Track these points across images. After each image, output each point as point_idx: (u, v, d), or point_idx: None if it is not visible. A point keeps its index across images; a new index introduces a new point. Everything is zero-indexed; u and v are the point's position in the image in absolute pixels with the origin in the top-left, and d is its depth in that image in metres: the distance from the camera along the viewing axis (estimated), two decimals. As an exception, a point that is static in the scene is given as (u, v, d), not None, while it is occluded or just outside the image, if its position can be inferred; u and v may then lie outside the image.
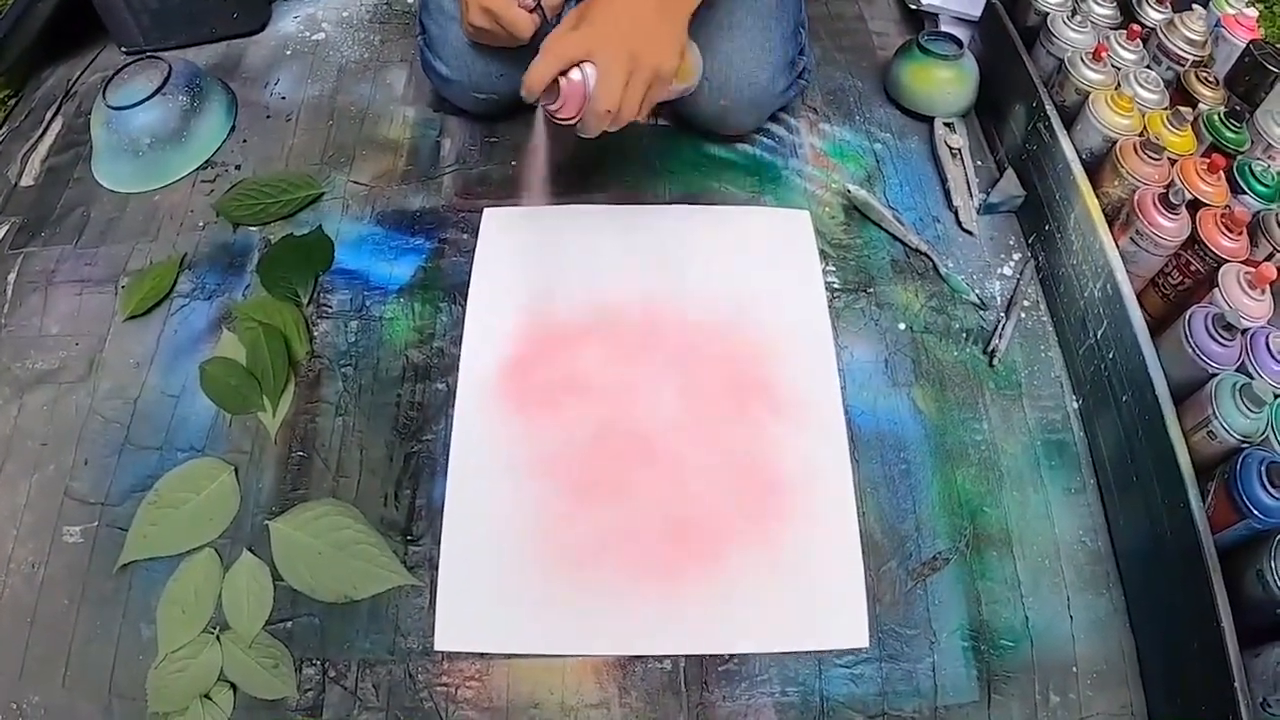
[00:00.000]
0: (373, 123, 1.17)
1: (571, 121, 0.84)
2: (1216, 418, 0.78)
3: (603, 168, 1.12)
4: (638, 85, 0.82)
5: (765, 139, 1.15)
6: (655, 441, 0.89)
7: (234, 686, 0.78)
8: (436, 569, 0.82)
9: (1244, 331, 0.82)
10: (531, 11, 0.91)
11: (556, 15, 0.94)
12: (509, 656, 0.79)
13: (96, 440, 0.90)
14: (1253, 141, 0.97)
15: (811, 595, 0.82)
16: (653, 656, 0.80)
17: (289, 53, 1.27)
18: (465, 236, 1.04)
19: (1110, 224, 0.93)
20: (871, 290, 1.01)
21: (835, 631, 0.80)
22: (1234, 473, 0.75)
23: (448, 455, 0.88)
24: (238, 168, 1.12)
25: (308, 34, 1.30)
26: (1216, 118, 0.97)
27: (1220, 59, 1.07)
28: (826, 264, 1.03)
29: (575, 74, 0.81)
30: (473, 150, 1.13)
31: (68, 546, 0.84)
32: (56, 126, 1.20)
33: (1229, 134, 0.96)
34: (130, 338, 0.97)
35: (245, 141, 1.15)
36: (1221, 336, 0.81)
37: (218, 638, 0.80)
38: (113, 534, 0.84)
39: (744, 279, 1.00)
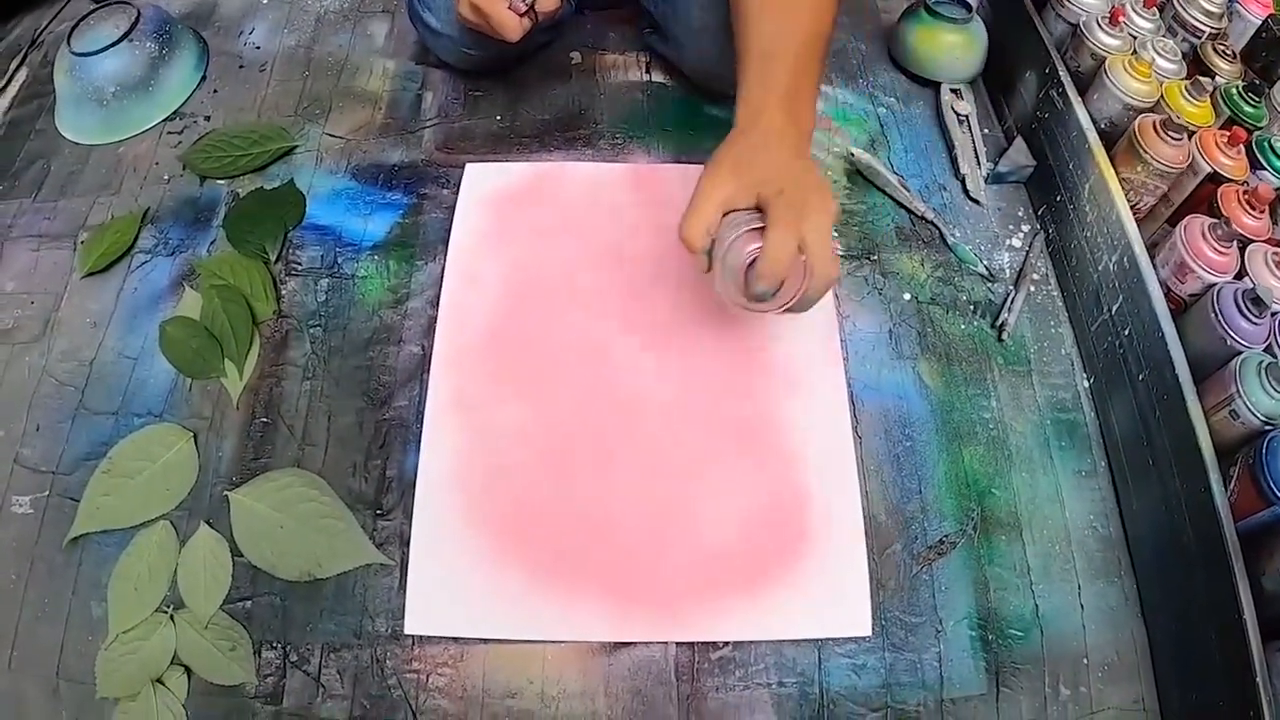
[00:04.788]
0: (351, 74, 1.07)
1: (784, 308, 0.70)
2: (1240, 397, 0.71)
3: (591, 124, 1.03)
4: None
5: (764, 100, 1.05)
6: (644, 412, 0.81)
7: (188, 670, 0.71)
8: (407, 546, 0.74)
9: (1274, 314, 0.75)
10: (523, 16, 0.82)
11: (549, 19, 0.85)
12: (484, 641, 0.72)
13: (49, 404, 0.82)
14: (1270, 117, 0.90)
15: (811, 579, 0.74)
16: (640, 643, 0.72)
17: (265, 1, 1.17)
18: (445, 192, 0.95)
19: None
20: (875, 258, 0.93)
21: (836, 619, 0.73)
22: (1259, 456, 0.69)
23: (421, 424, 0.80)
24: (207, 119, 1.03)
25: (285, -18, 1.20)
26: (1235, 91, 0.90)
27: (1234, 34, 0.99)
28: (828, 229, 0.94)
29: None
30: (456, 103, 1.04)
31: (16, 518, 0.77)
32: (21, 77, 1.11)
33: (1248, 108, 0.89)
34: (88, 296, 0.89)
35: (216, 92, 1.06)
36: (1252, 312, 0.74)
37: (172, 617, 0.72)
38: (64, 504, 0.77)
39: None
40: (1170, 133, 0.84)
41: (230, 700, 0.70)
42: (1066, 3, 0.99)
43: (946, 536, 0.77)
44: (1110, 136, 0.90)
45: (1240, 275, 0.79)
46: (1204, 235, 0.79)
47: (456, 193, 0.94)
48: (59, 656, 0.71)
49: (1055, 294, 0.93)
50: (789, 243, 0.66)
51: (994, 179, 1.01)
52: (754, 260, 0.66)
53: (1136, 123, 0.87)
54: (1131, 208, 0.85)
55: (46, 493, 0.77)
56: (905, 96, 1.09)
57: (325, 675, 0.70)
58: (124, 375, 0.83)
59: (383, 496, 0.77)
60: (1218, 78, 0.93)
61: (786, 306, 0.69)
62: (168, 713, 0.69)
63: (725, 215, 0.69)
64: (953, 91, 1.06)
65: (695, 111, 1.04)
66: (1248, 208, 0.81)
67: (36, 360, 0.84)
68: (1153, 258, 0.82)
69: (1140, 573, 0.78)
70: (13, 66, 1.11)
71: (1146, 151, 0.84)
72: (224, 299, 0.85)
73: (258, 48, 1.11)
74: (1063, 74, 0.94)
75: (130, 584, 0.73)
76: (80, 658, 0.71)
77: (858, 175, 0.99)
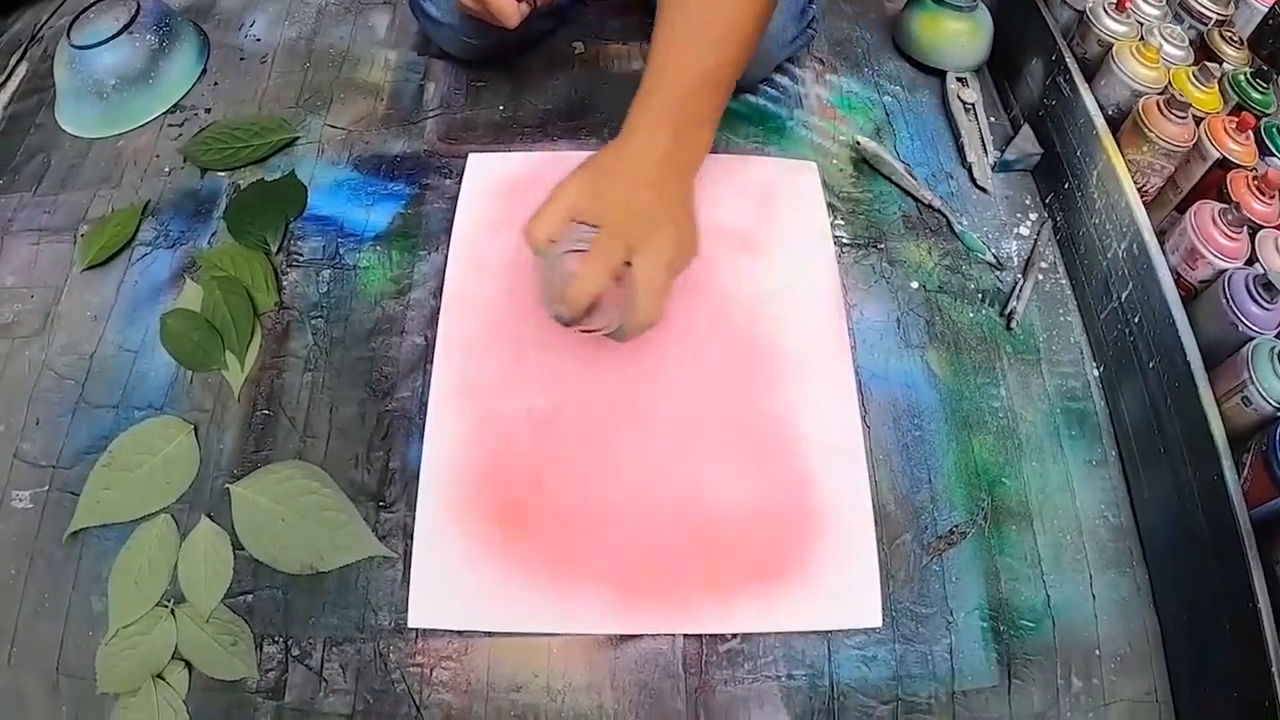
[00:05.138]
0: (352, 65, 1.06)
1: (600, 333, 0.70)
2: (1253, 383, 0.70)
3: (595, 112, 1.01)
4: (671, 285, 0.69)
5: (769, 89, 1.04)
6: (652, 402, 0.79)
7: (189, 665, 0.69)
8: (411, 538, 0.72)
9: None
10: (521, 1, 0.81)
11: (548, 6, 0.84)
12: (489, 635, 0.70)
13: (49, 398, 0.81)
14: (1279, 104, 0.88)
15: (820, 570, 0.72)
16: (648, 635, 0.70)
17: (265, -7, 1.16)
18: (448, 182, 0.93)
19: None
20: (882, 246, 0.91)
21: (846, 610, 0.71)
22: (1272, 443, 0.67)
23: (424, 415, 0.78)
24: (208, 111, 1.01)
25: (286, -26, 1.18)
26: (1243, 78, 0.88)
27: (1240, 22, 0.98)
28: (835, 217, 0.92)
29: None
30: (458, 94, 1.02)
31: (16, 512, 0.75)
32: (21, 72, 1.10)
33: (1256, 95, 0.87)
34: (88, 289, 0.87)
35: (216, 84, 1.04)
36: (1263, 298, 0.72)
37: (172, 612, 0.70)
38: (64, 499, 0.75)
39: (747, 231, 0.89)
40: (1174, 111, 0.82)
41: (231, 695, 0.68)
42: (1073, -11, 0.98)
43: (957, 526, 0.76)
44: (1118, 123, 0.89)
45: (1251, 261, 0.78)
46: (1214, 220, 0.77)
47: (459, 183, 0.93)
48: (59, 652, 0.69)
49: (1064, 282, 0.91)
50: (597, 277, 0.65)
51: (1001, 167, 0.99)
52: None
53: (1140, 103, 0.85)
54: (1138, 189, 0.84)
55: (46, 487, 0.76)
56: (910, 85, 1.07)
57: (328, 669, 0.69)
58: (124, 368, 0.82)
59: (385, 488, 0.75)
60: (1225, 64, 0.92)
61: (604, 334, 0.70)
62: (168, 708, 0.67)
63: (572, 223, 0.68)
64: (958, 79, 1.04)
65: (701, 101, 1.02)
66: (1258, 193, 0.79)
67: (36, 354, 0.83)
68: (1161, 245, 0.80)
69: (1152, 562, 0.76)
70: (13, 61, 1.10)
71: (1151, 130, 0.83)
72: (225, 290, 0.83)
73: (258, 40, 1.10)
74: (1069, 61, 0.93)
75: (130, 578, 0.71)
76: (80, 653, 0.69)
77: (864, 164, 0.98)
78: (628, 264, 0.66)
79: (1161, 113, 0.83)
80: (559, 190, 0.68)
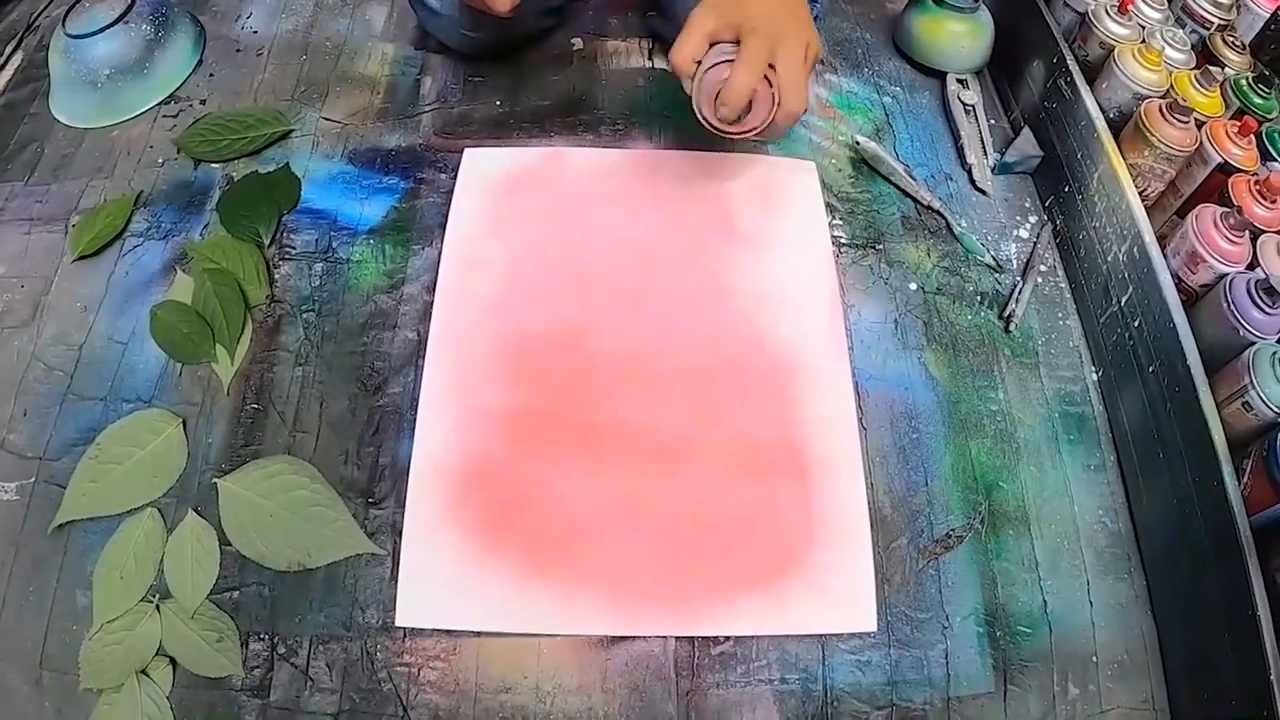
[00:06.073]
0: (349, 59, 1.04)
1: (754, 133, 0.75)
2: (1254, 388, 0.68)
3: (592, 110, 1.00)
4: (809, 75, 0.76)
5: (768, 87, 1.02)
6: (644, 401, 0.77)
7: (174, 662, 0.67)
8: (400, 536, 0.71)
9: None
10: None
11: (549, 2, 0.83)
12: (478, 634, 0.68)
13: (37, 389, 0.79)
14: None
15: (815, 573, 0.70)
16: (639, 637, 0.68)
17: (263, -15, 1.14)
18: (444, 176, 0.92)
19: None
20: (881, 247, 0.90)
21: (841, 614, 0.69)
22: (1273, 449, 0.66)
23: (415, 410, 0.76)
24: (203, 102, 1.00)
25: (284, -33, 1.17)
26: (1245, 82, 0.87)
27: (1242, 27, 0.97)
28: (833, 217, 0.91)
29: None
30: (455, 89, 1.01)
31: (1, 504, 0.73)
32: (16, 61, 1.08)
33: (1258, 99, 0.86)
34: (79, 280, 0.85)
35: (212, 76, 1.03)
36: (1265, 303, 0.71)
37: (158, 607, 0.69)
38: (50, 491, 0.73)
39: (745, 230, 0.88)
40: (1176, 115, 0.81)
41: (216, 693, 0.66)
42: (1075, -9, 0.97)
43: (953, 530, 0.74)
44: (1119, 126, 0.87)
45: (1252, 265, 0.76)
46: (1216, 224, 0.76)
47: (454, 178, 0.91)
48: (42, 646, 0.67)
49: (1063, 285, 0.90)
50: (752, 74, 0.71)
51: (1001, 169, 0.98)
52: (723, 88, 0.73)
53: (1142, 107, 0.84)
54: (1139, 194, 0.82)
55: (33, 479, 0.74)
56: (910, 86, 1.06)
57: (314, 668, 0.67)
58: (113, 360, 0.80)
59: (375, 485, 0.74)
60: (1226, 68, 0.90)
61: (757, 132, 0.75)
62: (152, 705, 0.65)
63: (711, 46, 0.74)
64: (959, 81, 1.03)
65: (698, 98, 1.01)
66: (1259, 198, 0.78)
67: (25, 345, 0.81)
68: (1162, 249, 0.79)
69: (1150, 569, 0.75)
70: (8, 50, 1.08)
71: (1153, 135, 0.81)
72: (216, 282, 0.81)
73: (255, 32, 1.08)
74: (1071, 63, 0.92)
75: (116, 572, 0.69)
76: (64, 648, 0.67)
77: (863, 164, 0.96)
78: (770, 65, 0.72)
79: (1163, 116, 0.81)
80: (692, 19, 0.75)
